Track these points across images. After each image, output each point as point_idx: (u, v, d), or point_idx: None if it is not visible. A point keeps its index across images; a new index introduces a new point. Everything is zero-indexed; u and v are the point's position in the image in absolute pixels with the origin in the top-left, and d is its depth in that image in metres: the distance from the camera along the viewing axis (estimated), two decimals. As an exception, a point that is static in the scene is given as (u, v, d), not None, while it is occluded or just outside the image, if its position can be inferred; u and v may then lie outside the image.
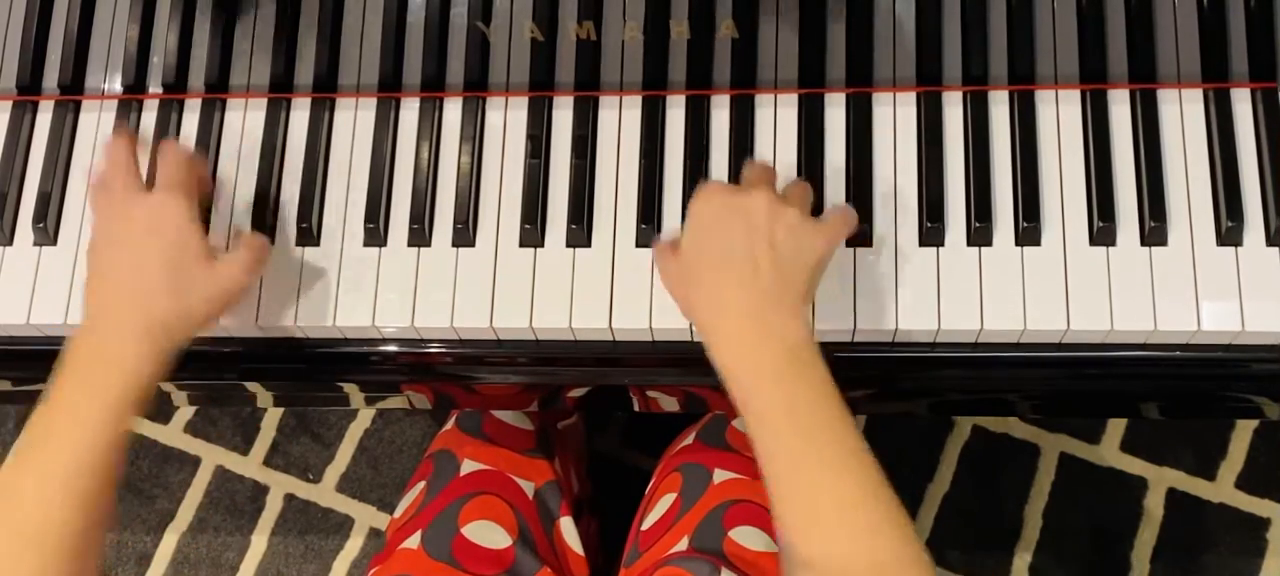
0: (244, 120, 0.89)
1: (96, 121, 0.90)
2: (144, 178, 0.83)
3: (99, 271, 0.78)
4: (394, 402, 0.95)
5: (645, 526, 1.01)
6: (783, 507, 0.71)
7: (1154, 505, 1.49)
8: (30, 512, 0.70)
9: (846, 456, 0.71)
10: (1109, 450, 1.51)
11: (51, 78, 0.91)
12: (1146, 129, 0.83)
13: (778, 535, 0.72)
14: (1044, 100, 0.84)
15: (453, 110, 0.88)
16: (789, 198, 0.76)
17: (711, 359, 0.74)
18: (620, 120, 0.86)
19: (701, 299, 0.74)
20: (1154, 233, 0.80)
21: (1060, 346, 0.81)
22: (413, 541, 0.97)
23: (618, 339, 0.83)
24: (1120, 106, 0.84)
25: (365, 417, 1.61)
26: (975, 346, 0.82)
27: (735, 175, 0.84)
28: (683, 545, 0.94)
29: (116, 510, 0.69)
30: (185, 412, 1.63)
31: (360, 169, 0.87)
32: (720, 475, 0.98)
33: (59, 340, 0.87)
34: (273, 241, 0.86)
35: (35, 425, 0.73)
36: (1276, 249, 0.80)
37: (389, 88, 0.88)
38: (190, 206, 0.78)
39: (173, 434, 1.62)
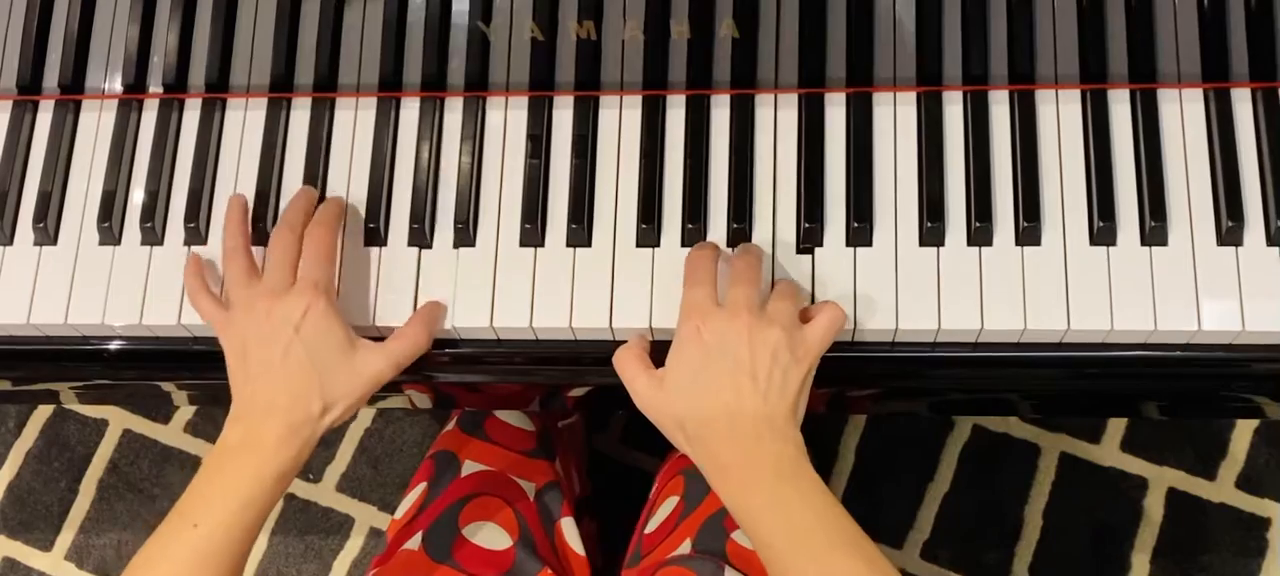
0: (244, 120, 0.89)
1: (97, 121, 0.90)
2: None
3: (246, 365, 0.80)
4: (394, 402, 0.95)
5: (649, 530, 1.01)
6: None
7: (1154, 505, 1.49)
8: (183, 569, 0.77)
9: (849, 559, 0.73)
10: (1109, 450, 1.51)
11: (52, 77, 0.91)
12: (1147, 128, 0.83)
13: None
14: (1044, 100, 0.84)
15: (453, 110, 0.88)
16: (772, 313, 0.76)
17: (706, 477, 0.76)
18: (620, 120, 0.86)
19: (691, 432, 0.76)
20: (1154, 232, 0.80)
21: (1060, 346, 0.81)
22: (413, 542, 0.97)
23: (618, 338, 0.83)
24: (1120, 106, 0.84)
25: (365, 417, 1.61)
26: (975, 346, 0.82)
27: (736, 175, 0.84)
28: (686, 547, 0.94)
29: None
30: (185, 412, 1.63)
31: (360, 169, 0.87)
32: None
33: (59, 340, 0.88)
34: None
35: (186, 504, 0.79)
36: (1277, 249, 0.80)
37: (389, 87, 0.88)
38: (333, 302, 0.80)
39: (173, 434, 1.62)
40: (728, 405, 0.74)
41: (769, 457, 0.74)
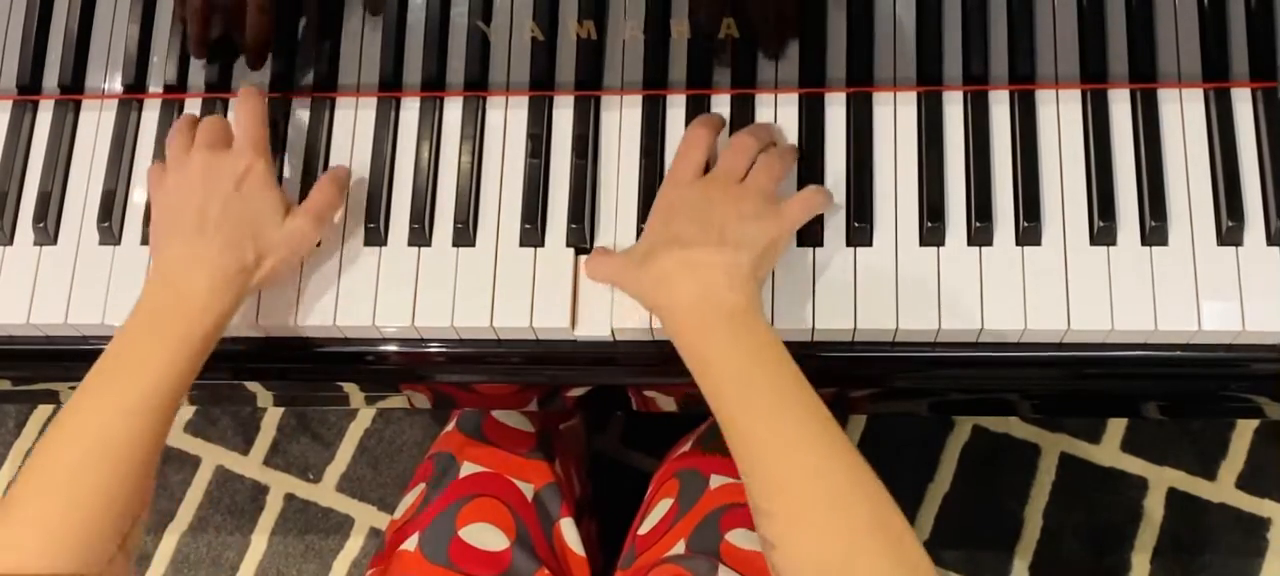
0: (244, 120, 0.89)
1: (96, 121, 0.90)
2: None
3: (178, 219, 0.80)
4: (394, 402, 0.95)
5: (642, 531, 1.01)
6: (746, 473, 0.73)
7: (1154, 505, 1.49)
8: (106, 433, 0.74)
9: (800, 419, 0.72)
10: (1109, 450, 1.51)
11: (52, 77, 0.91)
12: (1147, 128, 0.83)
13: (748, 498, 0.73)
14: (1044, 100, 0.84)
15: (453, 110, 0.88)
16: (750, 180, 0.78)
17: (666, 333, 0.77)
18: (621, 120, 0.86)
19: (653, 281, 0.77)
20: (1154, 232, 0.80)
21: (1060, 346, 0.81)
22: (410, 543, 0.97)
23: (618, 338, 0.83)
24: (1120, 106, 0.84)
25: (365, 417, 1.61)
26: (975, 346, 0.82)
27: (735, 175, 0.84)
28: (680, 547, 0.94)
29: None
30: (185, 412, 1.63)
31: (360, 168, 0.87)
32: (717, 480, 0.98)
33: (59, 340, 0.88)
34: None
35: (112, 358, 0.77)
36: (1277, 248, 0.80)
37: (389, 87, 0.88)
38: (271, 165, 0.82)
39: (173, 434, 1.62)
40: (690, 255, 0.75)
41: (722, 305, 0.74)
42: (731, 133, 0.84)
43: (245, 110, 0.83)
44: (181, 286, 0.78)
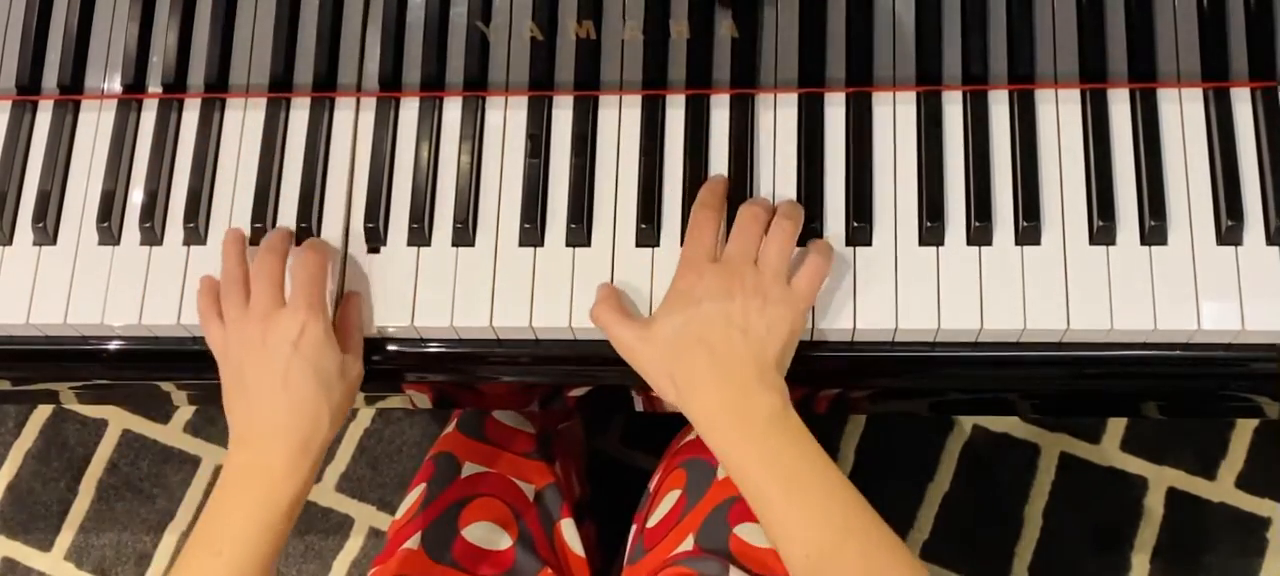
0: (244, 120, 0.89)
1: (96, 121, 0.90)
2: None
3: (245, 390, 0.79)
4: (394, 402, 0.95)
5: (650, 524, 1.00)
6: (786, 552, 0.75)
7: (1154, 505, 1.49)
8: None
9: (841, 505, 0.75)
10: (1109, 450, 1.51)
11: (51, 77, 0.91)
12: (1146, 128, 0.83)
13: (784, 562, 0.76)
14: (1044, 99, 0.84)
15: (452, 110, 0.88)
16: (763, 265, 0.77)
17: (697, 431, 0.78)
18: (620, 119, 0.86)
19: (680, 383, 0.77)
20: (1154, 232, 0.80)
21: (1060, 346, 0.81)
22: (414, 542, 0.97)
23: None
24: (1120, 105, 0.84)
25: (365, 417, 1.61)
26: (975, 346, 0.82)
27: (735, 175, 0.84)
28: (688, 544, 0.94)
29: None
30: (185, 412, 1.63)
31: (360, 169, 0.87)
32: (723, 470, 0.98)
33: (59, 340, 0.88)
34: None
35: (204, 532, 0.78)
36: (1276, 248, 0.80)
37: (389, 87, 0.88)
38: (328, 323, 0.80)
39: (173, 434, 1.62)
40: (716, 356, 0.75)
41: (758, 408, 0.75)
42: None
43: (303, 267, 0.81)
44: (260, 454, 0.79)
